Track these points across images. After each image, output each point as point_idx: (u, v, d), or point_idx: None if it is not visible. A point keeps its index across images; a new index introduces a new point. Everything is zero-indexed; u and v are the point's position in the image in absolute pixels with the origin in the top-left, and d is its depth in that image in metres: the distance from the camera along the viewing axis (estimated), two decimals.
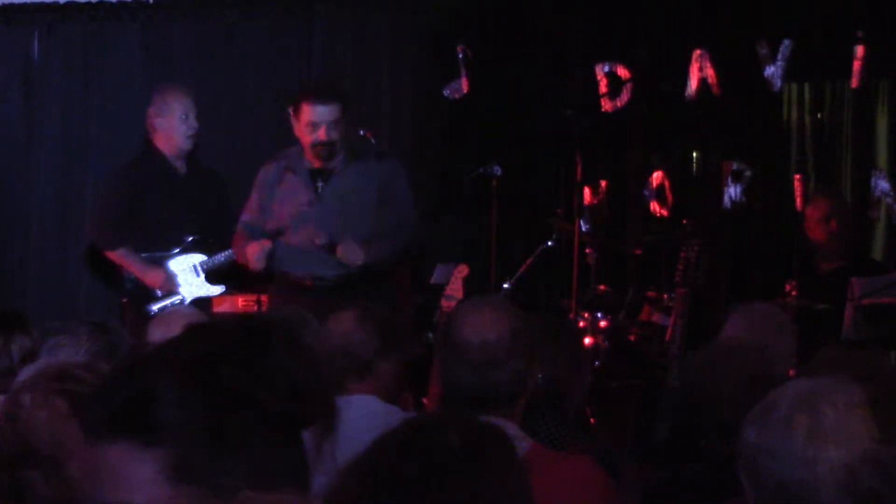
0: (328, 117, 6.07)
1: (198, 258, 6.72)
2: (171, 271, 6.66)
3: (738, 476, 2.25)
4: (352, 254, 6.03)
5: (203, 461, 1.42)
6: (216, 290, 6.75)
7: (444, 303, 6.09)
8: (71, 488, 1.88)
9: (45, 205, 8.01)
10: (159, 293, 6.64)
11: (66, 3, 8.03)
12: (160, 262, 6.67)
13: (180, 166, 6.79)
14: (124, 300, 6.81)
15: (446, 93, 7.83)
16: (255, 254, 6.17)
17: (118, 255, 6.69)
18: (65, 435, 1.93)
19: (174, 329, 3.90)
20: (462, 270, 6.17)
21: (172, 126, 6.70)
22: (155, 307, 6.53)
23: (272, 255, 6.20)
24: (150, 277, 6.63)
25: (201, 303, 6.53)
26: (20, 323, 4.16)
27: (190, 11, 8.03)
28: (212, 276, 6.74)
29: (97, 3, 8.02)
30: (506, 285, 6.83)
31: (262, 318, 1.59)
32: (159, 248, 6.68)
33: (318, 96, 6.11)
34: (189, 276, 6.70)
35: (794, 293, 6.38)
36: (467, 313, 3.15)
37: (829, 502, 2.09)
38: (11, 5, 8.05)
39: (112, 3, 8.01)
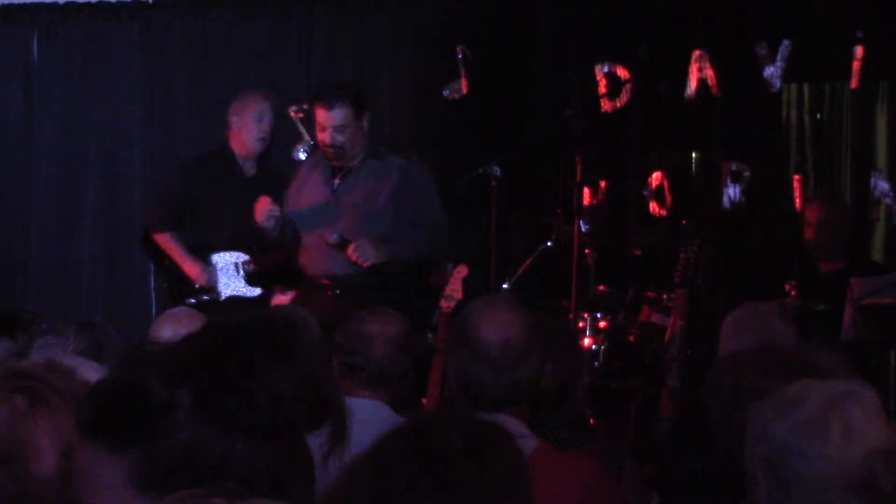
0: (332, 122, 6.11)
1: (241, 257, 6.75)
2: (212, 265, 6.70)
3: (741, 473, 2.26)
4: (363, 252, 6.02)
5: (172, 469, 1.42)
6: (253, 291, 6.77)
7: (443, 303, 6.07)
8: (40, 486, 1.88)
9: (46, 204, 8.01)
10: (197, 286, 6.73)
11: (66, 3, 8.03)
12: (203, 255, 6.71)
13: (249, 168, 6.85)
14: (166, 285, 6.99)
15: (446, 93, 7.82)
16: (262, 212, 6.19)
17: (163, 240, 6.80)
18: (26, 432, 1.92)
19: (180, 329, 3.92)
20: (461, 271, 6.15)
21: (245, 126, 6.78)
22: (191, 301, 6.60)
23: (284, 228, 6.28)
24: (189, 266, 6.73)
25: (259, 300, 6.60)
26: (20, 323, 4.16)
27: (190, 11, 8.02)
28: (252, 278, 6.75)
29: (97, 3, 8.02)
30: (505, 285, 6.82)
31: (251, 326, 1.57)
32: (207, 242, 6.74)
33: (324, 100, 6.15)
34: (229, 274, 6.74)
35: (793, 293, 6.37)
36: (484, 312, 3.14)
37: (852, 499, 2.12)
38: (11, 5, 8.05)
39: (112, 3, 8.01)
